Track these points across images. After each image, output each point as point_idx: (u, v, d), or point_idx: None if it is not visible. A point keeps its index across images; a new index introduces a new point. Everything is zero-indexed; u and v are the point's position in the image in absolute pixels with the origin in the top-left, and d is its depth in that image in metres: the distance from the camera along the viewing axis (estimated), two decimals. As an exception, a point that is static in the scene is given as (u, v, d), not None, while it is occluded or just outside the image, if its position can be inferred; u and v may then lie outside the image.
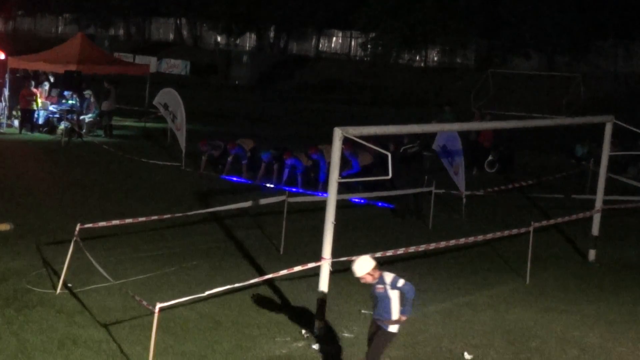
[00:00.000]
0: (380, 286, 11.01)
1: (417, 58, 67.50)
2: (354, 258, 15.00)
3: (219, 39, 79.18)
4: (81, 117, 33.49)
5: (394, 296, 10.97)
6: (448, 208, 23.03)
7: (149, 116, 36.12)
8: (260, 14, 71.55)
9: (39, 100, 33.87)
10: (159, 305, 11.42)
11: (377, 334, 11.13)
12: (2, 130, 33.07)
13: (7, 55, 35.98)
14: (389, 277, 11.00)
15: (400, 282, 10.93)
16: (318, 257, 13.43)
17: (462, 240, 17.04)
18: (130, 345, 12.47)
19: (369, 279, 11.06)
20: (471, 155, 28.33)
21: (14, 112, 34.14)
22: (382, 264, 17.04)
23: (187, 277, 16.00)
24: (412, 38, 63.60)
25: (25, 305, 14.02)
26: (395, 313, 11.01)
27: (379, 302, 11.07)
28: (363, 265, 11.05)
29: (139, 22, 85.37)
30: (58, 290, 14.67)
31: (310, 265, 14.00)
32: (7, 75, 34.32)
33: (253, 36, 77.46)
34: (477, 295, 16.10)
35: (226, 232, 19.64)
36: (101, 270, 15.25)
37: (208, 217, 20.12)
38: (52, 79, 35.19)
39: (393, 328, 11.07)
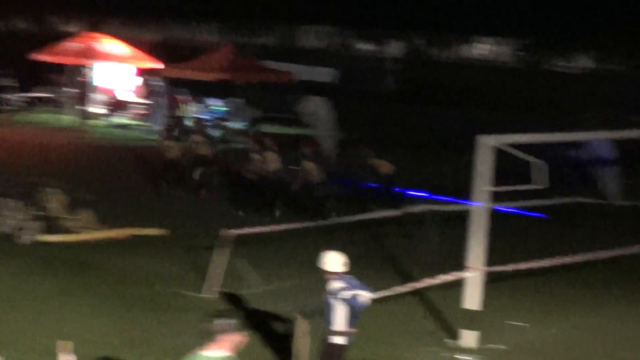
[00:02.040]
0: (328, 290, 10.54)
1: (566, 63, 66.19)
2: (507, 268, 14.90)
3: (366, 46, 79.49)
4: (230, 125, 34.15)
5: (339, 305, 10.43)
6: (599, 218, 22.55)
7: (295, 123, 36.52)
8: (407, 20, 71.49)
9: (186, 108, 34.72)
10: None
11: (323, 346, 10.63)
12: (153, 137, 33.95)
13: (163, 64, 37.05)
14: (338, 283, 10.46)
15: (347, 294, 10.34)
16: (464, 266, 13.38)
17: (618, 251, 16.62)
18: (276, 352, 12.64)
19: (327, 277, 10.64)
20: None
21: (166, 120, 35.06)
22: (535, 274, 16.88)
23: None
24: (563, 42, 62.39)
25: (175, 309, 14.46)
26: (339, 324, 10.49)
27: (325, 308, 10.59)
28: (328, 260, 10.65)
29: (287, 29, 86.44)
30: (207, 295, 15.04)
31: (457, 274, 13.95)
32: (164, 84, 35.32)
33: (400, 43, 77.45)
34: (630, 309, 15.74)
35: (372, 240, 19.71)
36: (249, 276, 15.59)
37: (354, 224, 20.22)
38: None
39: (337, 339, 10.54)
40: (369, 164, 21.99)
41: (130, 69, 37.67)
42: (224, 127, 33.79)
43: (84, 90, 36.06)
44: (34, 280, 15.59)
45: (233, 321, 7.76)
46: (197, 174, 23.16)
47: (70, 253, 17.41)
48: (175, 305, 14.69)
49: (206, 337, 7.84)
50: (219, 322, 7.74)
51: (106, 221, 19.42)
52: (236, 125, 34.47)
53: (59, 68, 38.37)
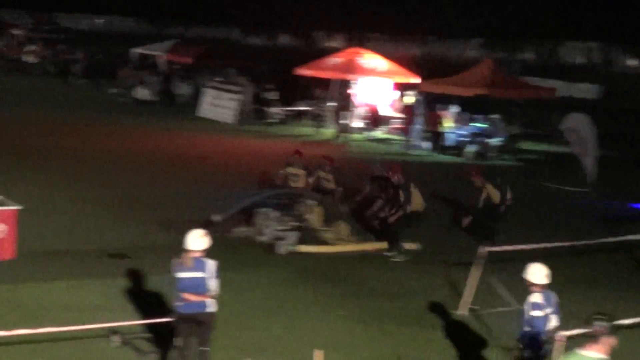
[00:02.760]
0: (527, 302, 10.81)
1: None
2: None
3: (631, 61, 76.87)
4: (488, 141, 33.83)
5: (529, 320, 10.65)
6: None
7: (555, 140, 35.76)
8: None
9: (445, 123, 34.68)
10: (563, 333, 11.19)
11: None
12: (413, 152, 34.10)
13: (422, 78, 37.29)
14: (536, 298, 10.72)
15: (537, 313, 10.59)
16: None
17: None
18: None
19: (530, 288, 10.89)
20: None
21: (425, 134, 35.19)
22: None
23: (591, 305, 15.57)
24: None
25: (427, 324, 14.41)
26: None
27: (521, 319, 10.85)
28: (532, 271, 10.92)
29: (548, 45, 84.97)
30: (461, 311, 14.89)
31: None
32: (421, 98, 35.49)
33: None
34: None
35: (634, 262, 18.93)
36: (504, 293, 15.30)
37: (615, 245, 19.46)
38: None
39: (527, 353, 10.66)
40: (482, 192, 20.42)
41: (389, 83, 38.12)
42: (483, 144, 33.53)
43: (345, 104, 36.75)
44: (290, 290, 15.94)
45: (611, 324, 7.90)
46: None
47: (325, 264, 17.69)
48: (427, 321, 14.63)
49: (588, 338, 8.14)
50: (601, 324, 7.90)
51: (360, 234, 19.62)
52: (495, 141, 34.09)
53: (321, 82, 39.33)
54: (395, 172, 19.38)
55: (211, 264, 11.11)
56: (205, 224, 17.63)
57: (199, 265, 11.06)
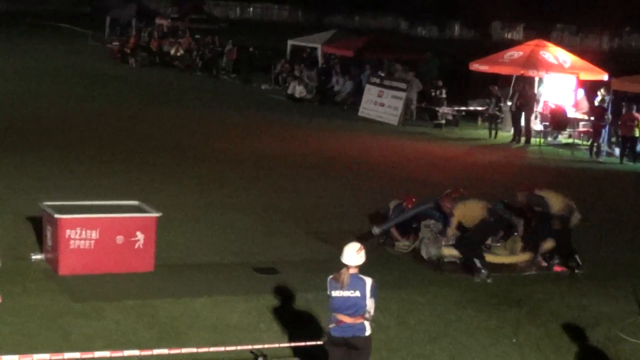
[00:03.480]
0: None
1: None
2: None
3: None
4: None
5: None
6: None
7: None
8: None
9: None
10: None
11: None
12: (601, 159, 33.37)
13: (610, 75, 36.42)
14: None
15: None
16: None
17: None
18: None
19: None
20: None
21: (613, 139, 34.35)
22: None
23: None
24: None
25: (618, 358, 13.97)
26: None
27: None
28: None
29: None
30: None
31: None
32: (612, 98, 34.66)
33: None
34: None
35: None
36: None
37: None
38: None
39: None
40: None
41: (575, 80, 37.38)
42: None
43: (526, 104, 36.08)
44: (457, 313, 15.77)
45: None
46: None
47: (499, 284, 17.39)
48: (616, 354, 14.22)
49: None
50: None
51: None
52: None
53: (498, 79, 38.84)
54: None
55: (368, 282, 11.06)
56: (364, 237, 17.66)
57: (355, 283, 11.01)
